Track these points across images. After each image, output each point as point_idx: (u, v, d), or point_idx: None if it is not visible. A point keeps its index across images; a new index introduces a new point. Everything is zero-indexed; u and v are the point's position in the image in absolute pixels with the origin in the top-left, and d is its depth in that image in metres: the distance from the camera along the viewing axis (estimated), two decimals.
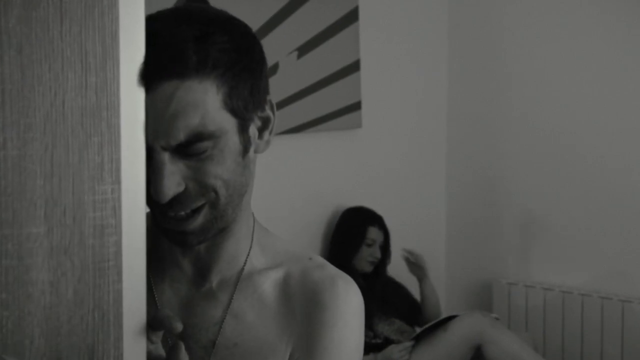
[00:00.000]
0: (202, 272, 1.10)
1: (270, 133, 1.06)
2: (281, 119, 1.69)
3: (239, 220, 1.08)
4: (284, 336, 1.06)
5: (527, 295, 3.84)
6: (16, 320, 0.82)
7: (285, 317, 1.07)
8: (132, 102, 0.92)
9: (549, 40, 3.82)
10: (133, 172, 0.92)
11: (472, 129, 4.07)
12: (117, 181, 0.89)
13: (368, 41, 3.60)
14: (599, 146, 3.70)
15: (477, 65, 4.05)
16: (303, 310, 1.07)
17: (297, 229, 3.41)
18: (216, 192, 1.00)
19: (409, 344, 3.24)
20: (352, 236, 3.45)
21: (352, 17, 3.50)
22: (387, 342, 3.30)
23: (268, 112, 1.06)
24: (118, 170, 0.89)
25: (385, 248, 3.51)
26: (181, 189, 0.98)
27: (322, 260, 1.12)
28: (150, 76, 0.94)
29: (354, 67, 3.54)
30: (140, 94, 0.93)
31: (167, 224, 1.02)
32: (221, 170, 0.99)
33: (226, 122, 0.98)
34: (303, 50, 3.25)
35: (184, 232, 1.01)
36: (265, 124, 1.06)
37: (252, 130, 1.04)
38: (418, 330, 3.39)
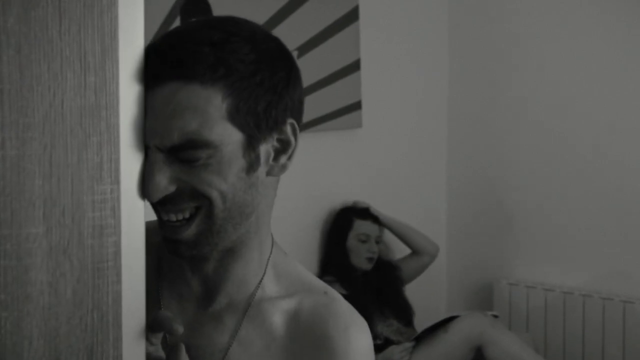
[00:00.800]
0: (210, 292, 1.07)
1: (288, 158, 1.01)
2: None
3: (248, 243, 1.04)
4: None
5: (528, 296, 3.84)
6: (15, 320, 0.82)
7: (293, 353, 1.03)
8: (131, 101, 0.91)
9: (549, 40, 3.81)
10: (132, 172, 0.92)
11: (472, 129, 4.07)
12: (116, 181, 0.89)
13: (368, 41, 3.60)
14: (600, 146, 3.69)
15: (477, 65, 4.05)
16: (313, 352, 1.03)
17: (297, 229, 3.40)
18: (210, 200, 0.96)
19: (409, 344, 3.24)
20: (339, 229, 3.43)
21: (352, 16, 3.50)
22: (387, 342, 3.29)
23: (289, 135, 1.00)
24: (117, 170, 0.89)
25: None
26: (171, 189, 0.95)
27: (336, 296, 1.08)
28: (155, 73, 0.93)
29: (354, 66, 3.53)
30: (139, 94, 0.93)
31: (164, 231, 1.00)
32: (217, 180, 0.95)
33: (228, 135, 0.94)
34: (303, 49, 3.25)
35: (178, 241, 0.99)
36: (284, 147, 1.01)
37: (265, 150, 0.99)
38: (418, 331, 3.39)
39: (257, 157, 0.98)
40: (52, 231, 0.84)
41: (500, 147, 3.98)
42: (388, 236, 3.62)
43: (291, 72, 1.01)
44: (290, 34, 3.19)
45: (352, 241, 3.41)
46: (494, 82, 3.99)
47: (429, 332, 3.29)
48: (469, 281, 4.05)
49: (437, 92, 4.09)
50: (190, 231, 0.98)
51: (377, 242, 3.45)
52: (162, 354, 0.95)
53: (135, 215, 0.91)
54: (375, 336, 3.29)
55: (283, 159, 1.01)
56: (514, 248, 3.96)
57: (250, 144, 0.97)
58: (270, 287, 1.07)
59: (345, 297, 1.11)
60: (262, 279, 1.07)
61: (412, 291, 3.57)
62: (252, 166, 0.98)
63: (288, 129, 1.00)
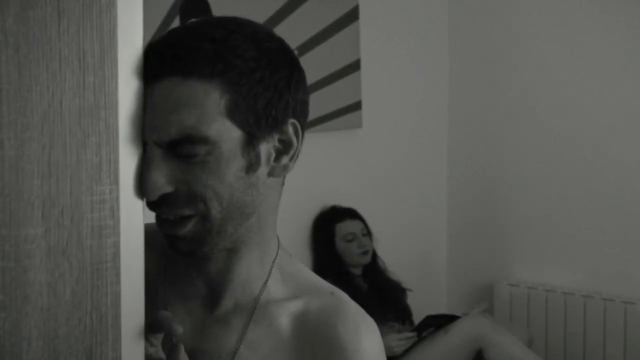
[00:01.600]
0: (215, 294, 1.06)
1: (290, 159, 1.00)
2: None
3: (249, 244, 1.03)
4: None
5: (528, 297, 3.83)
6: (13, 321, 0.82)
7: (302, 354, 1.03)
8: (130, 102, 0.91)
9: (549, 40, 3.81)
10: (131, 173, 0.92)
11: (473, 129, 4.07)
12: (115, 182, 0.89)
13: (368, 40, 3.60)
14: (601, 146, 3.69)
15: (477, 65, 4.04)
16: (323, 353, 1.02)
17: (297, 229, 3.40)
18: (205, 204, 0.95)
19: (410, 334, 3.22)
20: (323, 238, 3.42)
21: (352, 16, 3.50)
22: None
23: (291, 136, 0.99)
24: (116, 170, 0.89)
25: (369, 235, 3.47)
26: (169, 190, 0.94)
27: (343, 297, 1.07)
28: (154, 70, 0.93)
29: (354, 66, 3.53)
30: (138, 94, 0.93)
31: (161, 228, 0.99)
32: (213, 181, 0.94)
33: (227, 131, 0.94)
34: (303, 49, 3.24)
35: (175, 237, 0.98)
36: (285, 148, 1.00)
37: (266, 149, 0.98)
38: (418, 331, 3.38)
39: (257, 157, 0.97)
40: (51, 232, 0.84)
41: (501, 147, 3.98)
42: (384, 242, 3.60)
43: (293, 72, 1.00)
44: (290, 34, 3.19)
45: (340, 244, 3.39)
46: (494, 82, 3.99)
47: (430, 320, 3.28)
48: (470, 282, 4.05)
49: (438, 92, 4.09)
50: (186, 229, 0.97)
51: (365, 235, 3.43)
52: (162, 355, 0.95)
53: (134, 215, 0.91)
54: None
55: (285, 160, 1.00)
56: (515, 249, 3.96)
57: (250, 143, 0.96)
58: (276, 289, 1.06)
59: None
60: (266, 280, 1.06)
61: (413, 292, 3.57)
62: (251, 166, 0.97)
63: (290, 129, 0.99)
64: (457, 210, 4.12)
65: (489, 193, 4.03)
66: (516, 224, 3.94)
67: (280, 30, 3.26)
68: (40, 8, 0.82)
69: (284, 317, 1.04)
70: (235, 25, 0.97)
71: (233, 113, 0.94)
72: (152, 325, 0.92)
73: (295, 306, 1.05)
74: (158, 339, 0.95)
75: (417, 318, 3.50)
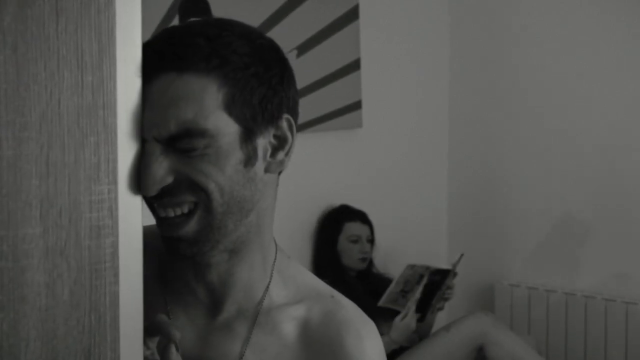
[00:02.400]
0: (217, 300, 1.06)
1: (286, 154, 1.02)
2: None
3: (250, 245, 1.03)
4: None
5: (529, 297, 3.83)
6: (11, 322, 0.81)
7: (307, 358, 1.04)
8: (129, 101, 0.91)
9: (550, 39, 3.81)
10: (130, 173, 0.92)
11: (473, 129, 4.06)
12: (114, 181, 0.88)
13: (368, 40, 3.59)
14: (603, 146, 3.69)
15: (478, 64, 4.04)
16: (327, 356, 1.03)
17: (297, 229, 3.40)
18: (207, 193, 0.96)
19: (412, 308, 3.18)
20: (328, 233, 3.42)
21: (352, 15, 3.49)
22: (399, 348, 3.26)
23: (286, 131, 1.01)
24: (115, 170, 0.88)
25: (372, 242, 3.48)
26: (169, 180, 0.95)
27: (344, 301, 1.08)
28: (151, 67, 0.94)
29: (354, 66, 3.53)
30: (137, 93, 0.92)
31: (162, 230, 0.99)
32: (215, 171, 0.95)
33: (225, 125, 0.95)
34: (302, 48, 3.24)
35: (178, 239, 0.98)
36: (281, 143, 1.01)
37: (262, 144, 0.99)
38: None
39: (255, 151, 0.98)
40: (49, 232, 0.83)
41: (501, 147, 3.98)
42: (384, 242, 3.60)
43: (285, 70, 1.02)
44: (289, 33, 3.19)
45: (343, 243, 3.40)
46: (494, 81, 3.98)
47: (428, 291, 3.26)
48: (471, 282, 4.04)
49: (438, 92, 4.08)
50: (189, 227, 0.97)
51: (369, 242, 3.44)
52: (157, 357, 0.95)
53: (132, 215, 0.91)
54: (381, 333, 3.27)
55: (280, 155, 1.02)
56: (516, 249, 3.96)
57: (248, 137, 0.97)
58: (277, 293, 1.07)
59: None
60: (268, 284, 1.06)
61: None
62: (249, 159, 0.98)
63: (284, 124, 1.01)
64: (457, 210, 4.12)
65: (490, 193, 4.03)
66: (517, 224, 3.94)
67: (280, 30, 3.27)
68: (38, 7, 0.81)
69: (287, 323, 1.05)
70: (227, 25, 0.99)
71: (230, 107, 0.95)
72: (149, 329, 0.92)
73: (298, 311, 1.06)
74: (154, 342, 0.95)
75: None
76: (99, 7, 0.85)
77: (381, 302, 3.29)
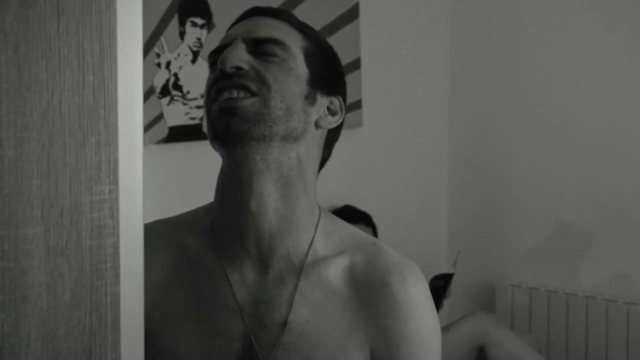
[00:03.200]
0: (267, 254, 1.13)
1: (336, 121, 1.20)
2: None
3: (296, 188, 1.14)
4: (361, 325, 1.10)
5: (530, 298, 3.82)
6: (12, 322, 0.82)
7: (357, 306, 1.11)
8: (130, 101, 0.91)
9: (551, 38, 3.81)
10: (131, 173, 0.92)
11: (474, 128, 4.06)
12: (115, 182, 0.88)
13: (369, 39, 3.59)
14: (604, 146, 3.68)
15: (479, 64, 4.04)
16: (375, 302, 1.10)
17: None
18: (269, 91, 1.09)
19: None
20: None
21: (352, 14, 3.49)
22: None
23: (337, 108, 1.20)
24: (116, 170, 0.88)
25: None
26: (245, 65, 1.09)
27: (386, 247, 1.18)
28: (250, 13, 1.16)
29: (355, 65, 3.53)
30: (138, 93, 0.92)
31: (220, 104, 1.09)
32: (283, 78, 1.10)
33: (300, 59, 1.14)
34: None
35: (233, 111, 1.07)
36: (332, 113, 1.19)
37: (320, 101, 1.16)
38: None
39: (314, 97, 1.15)
40: (50, 232, 0.83)
41: (502, 147, 3.97)
42: (384, 242, 3.60)
43: (343, 72, 1.26)
44: None
45: None
46: (495, 80, 3.98)
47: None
48: (471, 282, 4.04)
49: (439, 91, 4.08)
50: (247, 103, 1.08)
51: None
52: None
53: (134, 216, 0.91)
54: None
55: (330, 118, 1.19)
56: (517, 249, 3.96)
57: (313, 85, 1.14)
58: (322, 247, 1.15)
59: None
60: (312, 239, 1.15)
61: None
62: (309, 97, 1.13)
63: (336, 101, 1.19)
64: (457, 210, 4.12)
65: (490, 192, 4.02)
66: (517, 224, 3.94)
67: None
68: (39, 6, 0.82)
69: (332, 271, 1.13)
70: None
71: (307, 55, 1.15)
72: None
73: (341, 260, 1.14)
74: None
75: None
76: (100, 7, 0.85)
77: None
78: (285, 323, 1.09)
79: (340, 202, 3.51)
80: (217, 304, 1.12)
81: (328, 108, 1.17)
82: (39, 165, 0.83)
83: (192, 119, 2.87)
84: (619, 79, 3.64)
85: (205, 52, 2.85)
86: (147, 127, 2.81)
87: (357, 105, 3.55)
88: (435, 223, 4.12)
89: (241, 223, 1.12)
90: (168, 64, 2.77)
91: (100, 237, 0.87)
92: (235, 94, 1.09)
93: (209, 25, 2.84)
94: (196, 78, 2.83)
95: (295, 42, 1.14)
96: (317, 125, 1.16)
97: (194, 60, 2.85)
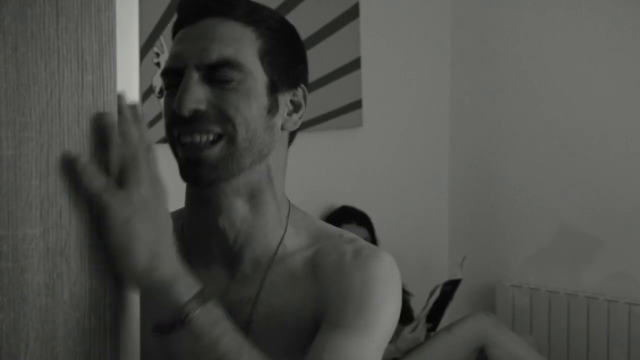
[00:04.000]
0: (234, 256, 1.12)
1: (300, 118, 1.13)
2: None
3: (264, 194, 1.11)
4: (307, 299, 1.08)
5: (531, 298, 3.82)
6: (11, 323, 0.81)
7: (311, 283, 1.09)
8: (129, 101, 0.90)
9: (552, 37, 3.80)
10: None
11: (475, 128, 4.06)
12: None
13: (369, 38, 3.59)
14: (606, 146, 3.67)
15: (480, 63, 4.03)
16: (329, 278, 1.08)
17: None
18: (234, 126, 1.04)
19: (422, 320, 3.19)
20: None
21: (352, 13, 3.49)
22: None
23: (301, 99, 1.13)
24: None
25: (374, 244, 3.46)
26: (201, 106, 1.03)
27: (352, 236, 1.14)
28: (193, 14, 1.07)
29: (355, 64, 3.52)
30: (137, 93, 0.92)
31: (185, 152, 1.05)
32: (244, 106, 1.04)
33: (257, 69, 1.06)
34: None
35: (199, 162, 1.04)
36: (295, 108, 1.13)
37: (283, 101, 1.10)
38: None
39: (277, 104, 1.09)
40: (49, 232, 0.83)
41: (503, 147, 3.97)
42: (384, 242, 3.60)
43: (305, 51, 1.16)
44: None
45: None
46: (496, 80, 3.98)
47: (438, 306, 3.26)
48: (472, 283, 4.03)
49: (439, 91, 4.08)
50: (212, 152, 1.04)
51: None
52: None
53: None
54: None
55: (295, 117, 1.13)
56: (517, 249, 3.95)
57: (273, 89, 1.08)
58: (291, 242, 1.13)
59: None
60: (282, 236, 1.13)
61: (415, 293, 3.56)
62: (272, 109, 1.08)
63: (300, 92, 1.13)
64: (458, 210, 4.11)
65: (491, 193, 4.02)
66: (518, 225, 3.93)
67: None
68: (38, 6, 0.81)
69: (298, 262, 1.12)
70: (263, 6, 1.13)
71: (263, 58, 1.07)
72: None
73: (308, 252, 1.12)
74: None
75: None
76: (99, 7, 0.85)
77: None
78: (248, 323, 1.08)
79: (339, 203, 3.50)
80: None
81: (291, 101, 1.12)
82: (38, 165, 0.82)
83: None
84: (623, 77, 3.62)
85: None
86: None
87: (357, 105, 3.54)
88: (436, 224, 4.11)
89: (210, 235, 1.11)
90: None
91: (99, 238, 0.87)
92: (198, 138, 1.04)
93: None
94: None
95: (250, 49, 1.06)
96: (282, 128, 1.11)
97: None
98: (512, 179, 3.94)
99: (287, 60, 1.10)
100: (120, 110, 0.88)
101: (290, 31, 1.14)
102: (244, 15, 1.07)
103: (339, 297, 1.06)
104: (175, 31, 1.11)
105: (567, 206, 3.78)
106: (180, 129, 1.04)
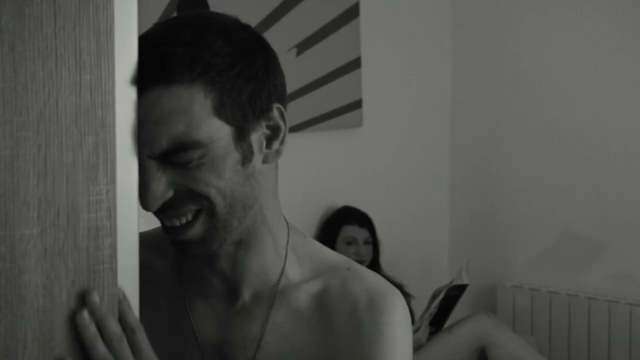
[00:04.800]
0: (233, 288, 1.07)
1: (281, 143, 1.01)
2: None
3: (257, 234, 1.05)
4: (315, 342, 1.04)
5: (532, 298, 3.81)
6: (9, 323, 0.81)
7: (323, 332, 1.04)
8: (128, 100, 0.90)
9: (552, 37, 3.80)
10: (128, 173, 0.91)
11: (475, 128, 4.05)
12: (112, 182, 0.88)
13: (369, 38, 3.58)
14: (606, 146, 3.67)
15: (480, 63, 4.03)
16: (342, 326, 1.04)
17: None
18: (209, 200, 0.96)
19: (425, 323, 3.20)
20: (327, 235, 3.42)
21: (352, 13, 3.48)
22: None
23: (278, 120, 1.00)
24: (113, 170, 0.88)
25: (375, 245, 3.46)
26: (169, 195, 0.95)
27: (361, 270, 1.08)
28: (138, 83, 0.92)
29: (355, 64, 3.52)
30: (135, 93, 0.92)
31: (169, 235, 1.00)
32: (214, 178, 0.95)
33: (217, 130, 0.94)
34: (302, 47, 3.23)
35: (183, 242, 0.99)
36: (274, 132, 1.01)
37: (257, 138, 0.99)
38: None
39: (250, 148, 0.98)
40: (47, 232, 0.83)
41: (504, 147, 3.97)
42: (385, 242, 3.59)
43: (269, 58, 1.01)
44: (289, 31, 3.18)
45: (339, 245, 3.40)
46: (497, 80, 3.97)
47: (443, 310, 3.26)
48: (472, 283, 4.02)
49: (440, 91, 4.07)
50: (194, 231, 0.98)
51: (367, 244, 3.42)
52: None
53: (130, 216, 0.90)
54: None
55: (276, 145, 1.01)
56: (518, 250, 3.95)
57: (241, 136, 0.97)
58: (293, 272, 1.08)
59: None
60: (284, 266, 1.07)
61: (415, 293, 3.56)
62: (246, 157, 0.98)
63: (275, 114, 1.00)
64: (459, 210, 4.11)
65: (492, 193, 4.02)
66: (519, 225, 3.93)
67: (280, 28, 3.26)
68: (36, 5, 0.81)
69: (303, 299, 1.06)
70: (204, 22, 0.97)
71: (220, 111, 0.94)
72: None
73: (313, 287, 1.07)
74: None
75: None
76: (97, 6, 0.84)
77: None
78: None
79: (339, 203, 3.50)
80: (179, 338, 1.07)
81: (267, 126, 1.00)
82: (36, 165, 0.82)
83: None
84: (623, 77, 3.62)
85: None
86: None
87: (357, 105, 3.54)
88: (436, 224, 4.11)
89: (208, 272, 1.08)
90: None
91: (97, 238, 0.86)
92: (177, 222, 0.97)
93: None
94: None
95: (202, 113, 0.93)
96: (264, 162, 1.01)
97: None
98: (513, 179, 3.94)
99: (249, 92, 0.96)
100: (91, 310, 0.86)
101: (247, 54, 0.97)
102: (187, 72, 0.92)
103: (352, 351, 1.03)
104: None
105: (567, 206, 3.78)
106: (157, 215, 0.98)
